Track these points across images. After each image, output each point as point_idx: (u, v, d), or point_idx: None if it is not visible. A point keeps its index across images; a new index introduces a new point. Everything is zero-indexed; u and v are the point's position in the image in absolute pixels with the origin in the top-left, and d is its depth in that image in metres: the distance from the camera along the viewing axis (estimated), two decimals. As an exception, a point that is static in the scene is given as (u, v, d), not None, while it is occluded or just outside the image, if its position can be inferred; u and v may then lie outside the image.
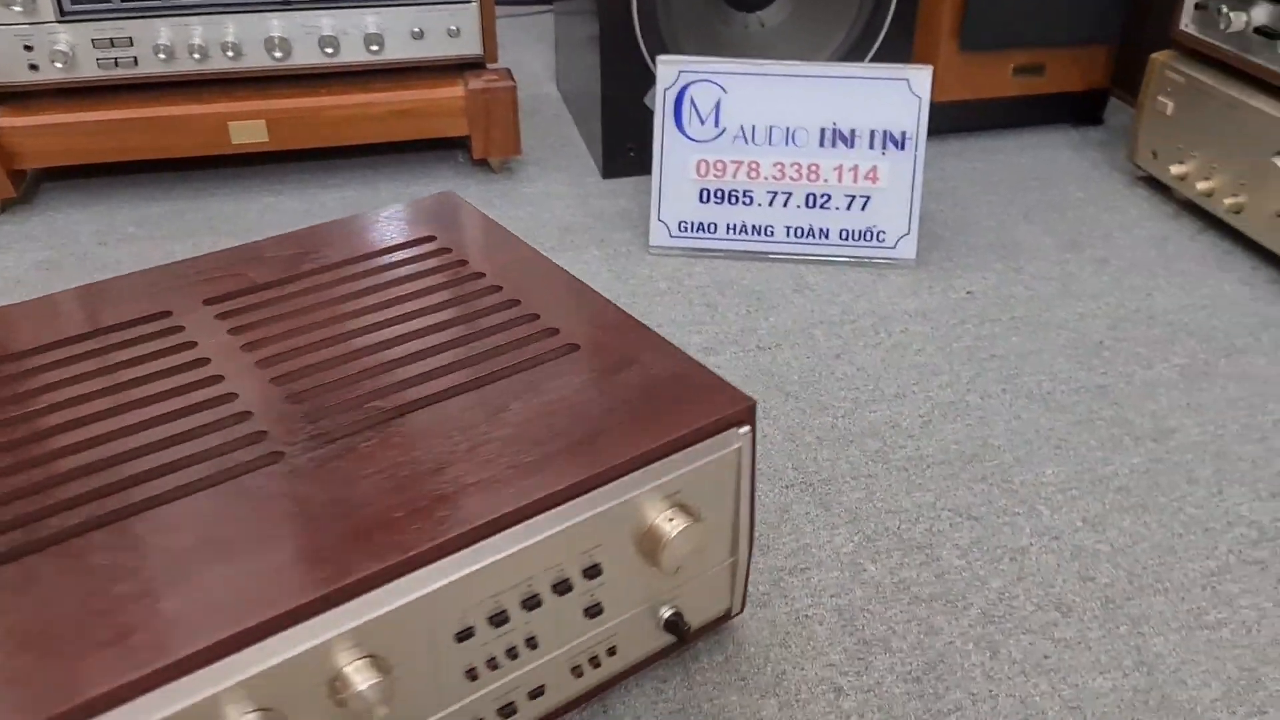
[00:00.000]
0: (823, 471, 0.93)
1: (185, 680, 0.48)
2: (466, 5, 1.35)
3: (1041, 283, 1.23)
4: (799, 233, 1.26)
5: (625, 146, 1.44)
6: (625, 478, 0.61)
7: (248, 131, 1.33)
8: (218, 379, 0.66)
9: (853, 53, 1.43)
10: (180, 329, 0.71)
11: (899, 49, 1.44)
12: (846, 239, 1.26)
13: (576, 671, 0.65)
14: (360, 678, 0.52)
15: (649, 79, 1.39)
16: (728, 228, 1.27)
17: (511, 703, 0.63)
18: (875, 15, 1.41)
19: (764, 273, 1.24)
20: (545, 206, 1.38)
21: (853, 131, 1.23)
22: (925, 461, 0.95)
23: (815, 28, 1.43)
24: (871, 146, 1.23)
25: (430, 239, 0.84)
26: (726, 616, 0.74)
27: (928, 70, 1.21)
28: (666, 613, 0.68)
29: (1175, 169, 1.34)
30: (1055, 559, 0.84)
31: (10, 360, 0.68)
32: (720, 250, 1.27)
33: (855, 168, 1.24)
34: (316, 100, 1.34)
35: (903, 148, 1.23)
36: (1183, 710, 0.72)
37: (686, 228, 1.27)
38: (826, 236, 1.26)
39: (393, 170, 1.46)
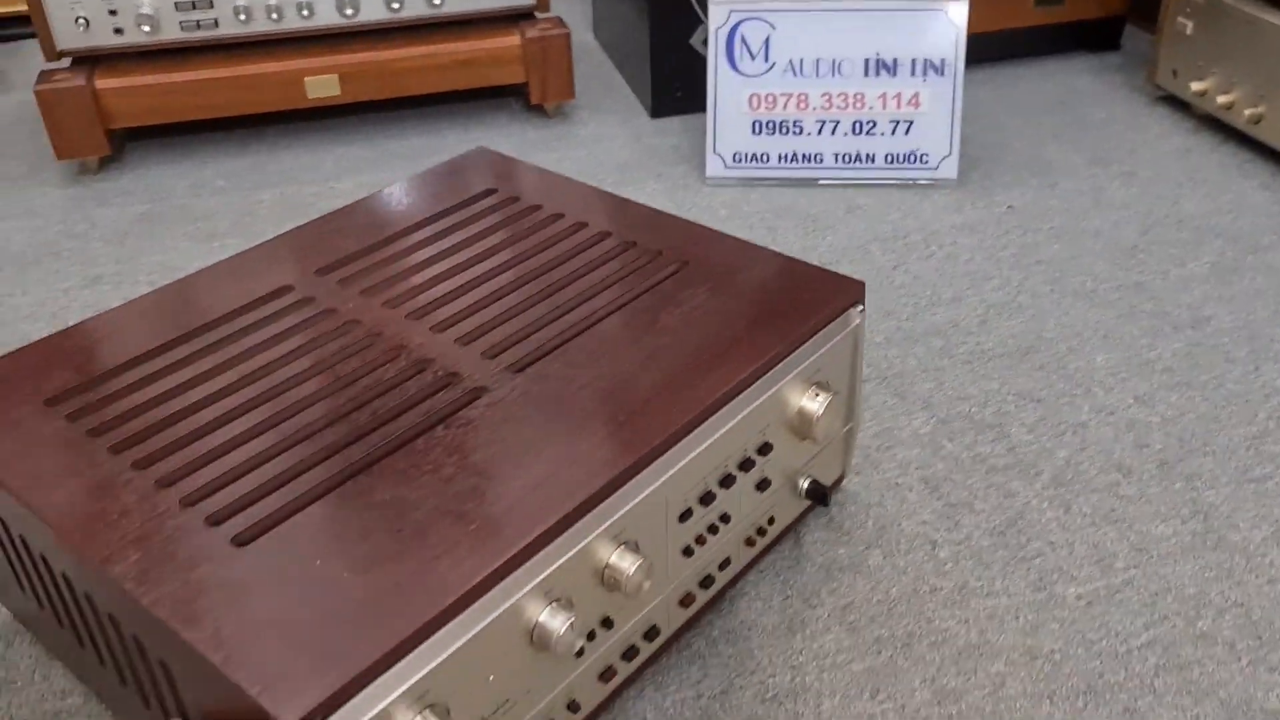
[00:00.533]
0: (894, 367, 1.03)
1: (514, 575, 0.56)
2: (520, -43, 1.43)
3: (1074, 196, 1.31)
4: (847, 158, 1.34)
5: (673, 88, 1.51)
6: (780, 364, 0.70)
7: (322, 86, 1.40)
8: (377, 334, 0.73)
9: (885, -11, 1.51)
10: (311, 299, 0.77)
11: (928, -17, 1.52)
12: (892, 162, 1.34)
13: (749, 541, 0.75)
14: (626, 562, 0.61)
15: (694, 23, 1.47)
16: (779, 157, 1.35)
17: (709, 575, 0.72)
18: (906, -49, 1.48)
19: (816, 197, 1.33)
20: (601, 146, 1.46)
21: (895, 61, 1.31)
22: (987, 355, 1.04)
23: (848, -34, 1.50)
24: (913, 74, 1.31)
25: (492, 191, 0.91)
26: (839, 482, 0.84)
27: (964, 3, 1.29)
28: (805, 482, 0.78)
29: (1196, 85, 1.43)
30: (1113, 431, 0.94)
31: (182, 342, 0.73)
32: (773, 179, 1.36)
33: (898, 95, 1.32)
34: (384, 54, 1.41)
35: (942, 74, 1.31)
36: (1237, 548, 0.82)
37: (741, 159, 1.35)
38: (873, 161, 1.34)
39: (453, 118, 1.54)
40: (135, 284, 1.16)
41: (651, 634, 0.69)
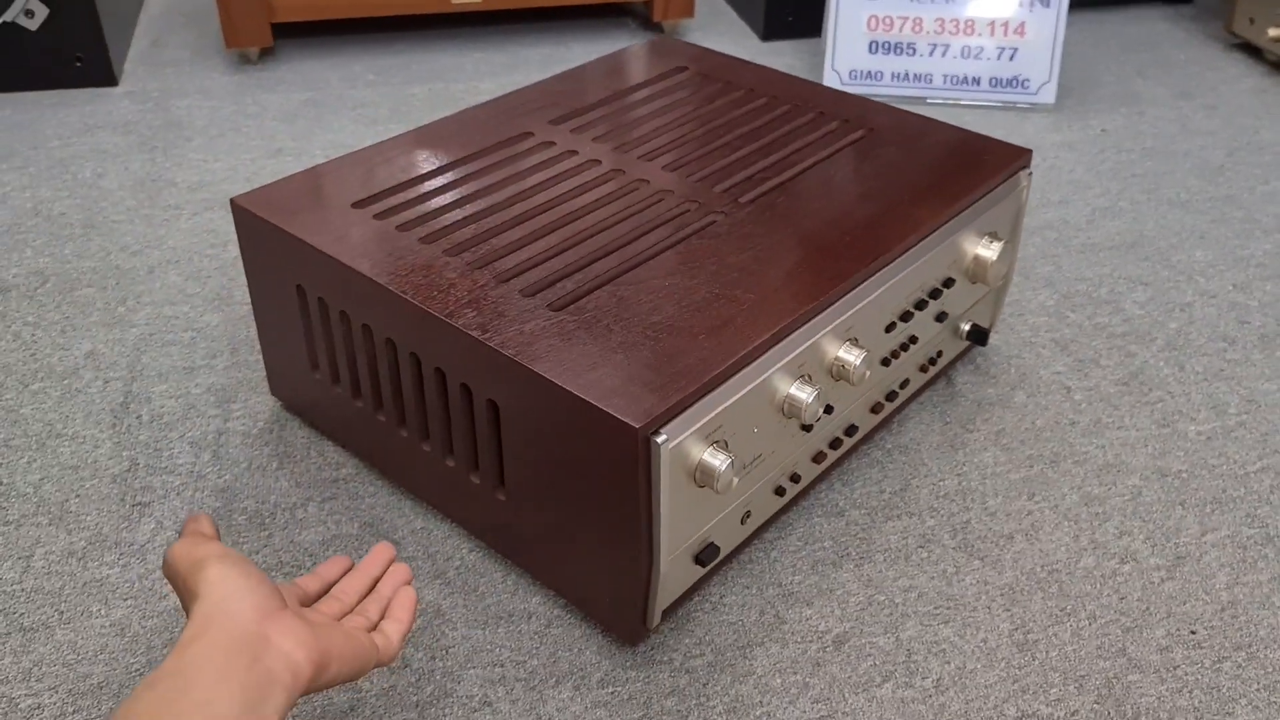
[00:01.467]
0: (1017, 251, 1.14)
1: (776, 348, 0.67)
2: (654, -120, 1.53)
3: (1162, 123, 1.43)
4: (955, 80, 1.46)
5: (784, 13, 1.62)
6: (965, 212, 0.82)
7: (465, -9, 1.51)
8: (619, 170, 0.85)
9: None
10: (552, 143, 0.88)
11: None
12: (996, 86, 1.45)
13: (922, 368, 0.87)
14: (853, 355, 0.73)
15: (808, -50, 1.57)
16: (893, 75, 1.46)
17: (893, 391, 0.84)
18: (1010, -106, 1.58)
19: (925, 113, 1.43)
20: (717, 63, 1.57)
21: (1005, -10, 1.42)
22: (1097, 247, 1.16)
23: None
24: (1020, 4, 1.42)
25: (684, 69, 1.03)
26: (988, 332, 0.96)
27: (1074, -65, 1.40)
28: (966, 325, 0.90)
29: (1273, 31, 1.54)
30: (1216, 310, 1.06)
31: (449, 169, 0.85)
32: (886, 95, 1.47)
33: (1006, 23, 1.43)
34: (524, -36, 1.52)
35: (1048, 6, 1.42)
36: (1330, 403, 0.94)
37: (857, 75, 1.46)
38: (978, 84, 1.46)
39: (576, 32, 1.64)
40: (313, 157, 1.27)
41: (850, 430, 0.81)
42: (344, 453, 0.85)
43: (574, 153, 0.87)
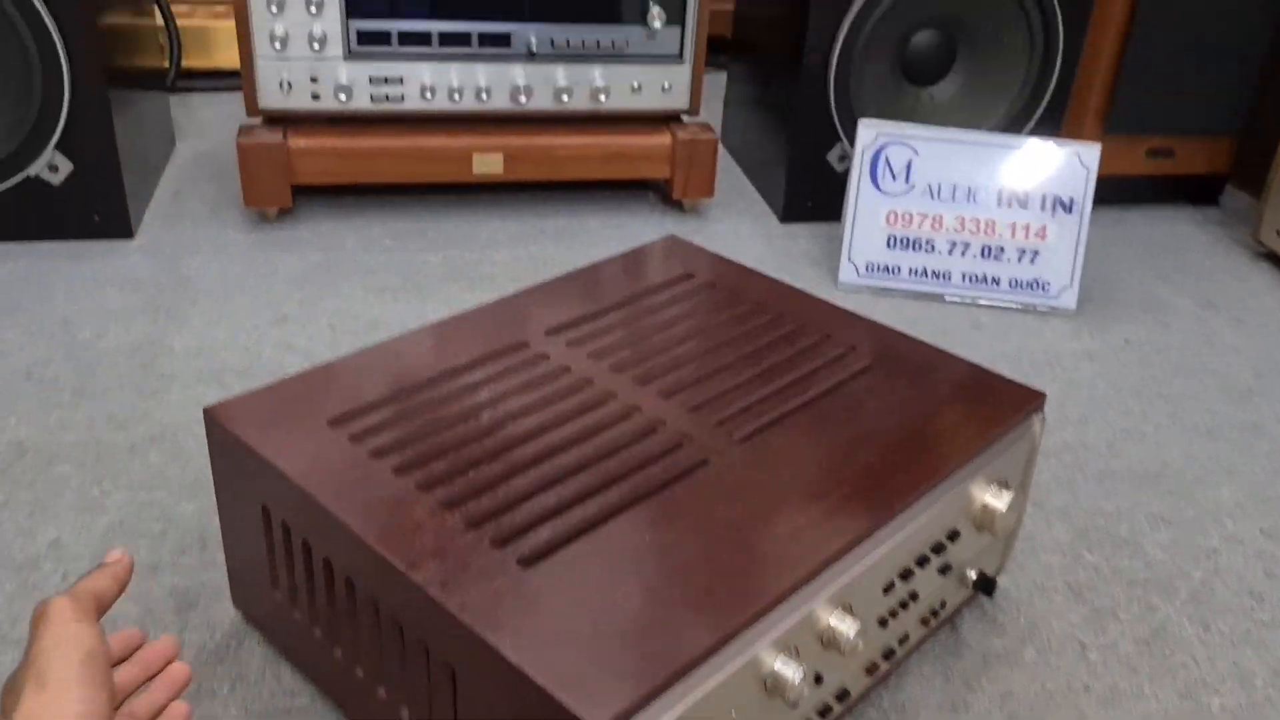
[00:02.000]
0: (1028, 499, 1.09)
1: (761, 623, 0.63)
2: (681, 66, 1.55)
3: (1187, 335, 1.39)
4: (973, 279, 1.43)
5: (804, 197, 1.62)
6: (974, 460, 0.78)
7: (487, 163, 1.52)
8: (611, 395, 0.81)
9: (1010, 125, 1.62)
10: (546, 356, 0.85)
11: (1051, 124, 1.63)
12: (1015, 287, 1.43)
13: (924, 621, 0.81)
14: (846, 624, 0.68)
15: (830, 139, 1.58)
16: (910, 271, 1.44)
17: (891, 648, 0.79)
18: (1034, 95, 1.60)
19: (941, 312, 1.41)
20: (735, 244, 1.56)
21: (1026, 194, 1.41)
22: (1117, 475, 1.11)
23: (978, 104, 1.62)
24: (1043, 209, 1.41)
25: (690, 275, 1.01)
26: (995, 581, 0.90)
27: (1097, 147, 1.40)
28: (973, 572, 0.84)
29: (1301, 245, 1.52)
30: (1243, 559, 1.00)
31: (436, 383, 0.81)
32: (902, 290, 1.45)
33: (1027, 226, 1.42)
34: (548, 139, 1.53)
35: (1070, 211, 1.41)
36: (1368, 679, 0.87)
37: (873, 269, 1.45)
38: (998, 284, 1.43)
39: (595, 204, 1.65)
40: (318, 325, 1.26)
41: (842, 696, 0.75)
42: (301, 679, 0.80)
43: (567, 369, 0.84)
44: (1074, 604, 0.93)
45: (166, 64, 1.83)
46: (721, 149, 1.91)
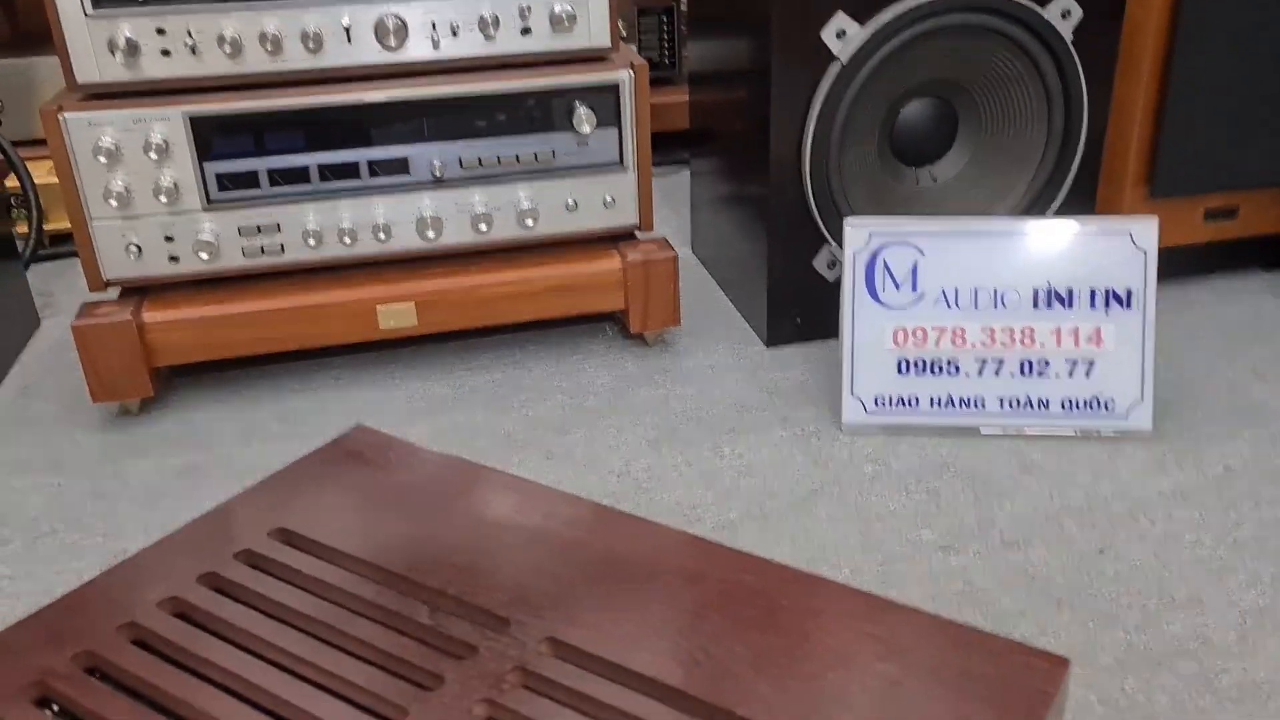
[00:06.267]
0: (1138, 707, 0.76)
1: None
2: (623, 174, 1.27)
3: (1305, 452, 1.07)
4: (1014, 404, 1.12)
5: (791, 313, 1.32)
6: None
7: (396, 316, 1.23)
8: None
9: (1034, 206, 1.33)
10: None
11: (1083, 199, 1.34)
12: (1070, 409, 1.11)
13: None
14: None
15: (817, 241, 1.29)
16: (932, 401, 1.13)
17: None
18: (1059, 165, 1.30)
19: (979, 450, 1.10)
20: (713, 381, 1.26)
21: (1070, 291, 1.11)
22: (1262, 688, 0.77)
23: (991, 181, 1.33)
24: (1093, 306, 1.10)
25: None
26: None
27: (1153, 221, 1.09)
28: None
29: None
30: None
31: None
32: (925, 426, 1.13)
33: (1075, 330, 1.11)
34: (468, 279, 1.25)
35: (1129, 306, 1.10)
36: None
37: (884, 402, 1.14)
38: (1046, 407, 1.12)
39: (540, 346, 1.36)
40: (162, 563, 0.96)
41: None
42: None
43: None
44: None
45: (25, 230, 1.58)
46: (694, 260, 1.63)
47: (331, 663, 0.54)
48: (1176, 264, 1.45)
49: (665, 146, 1.99)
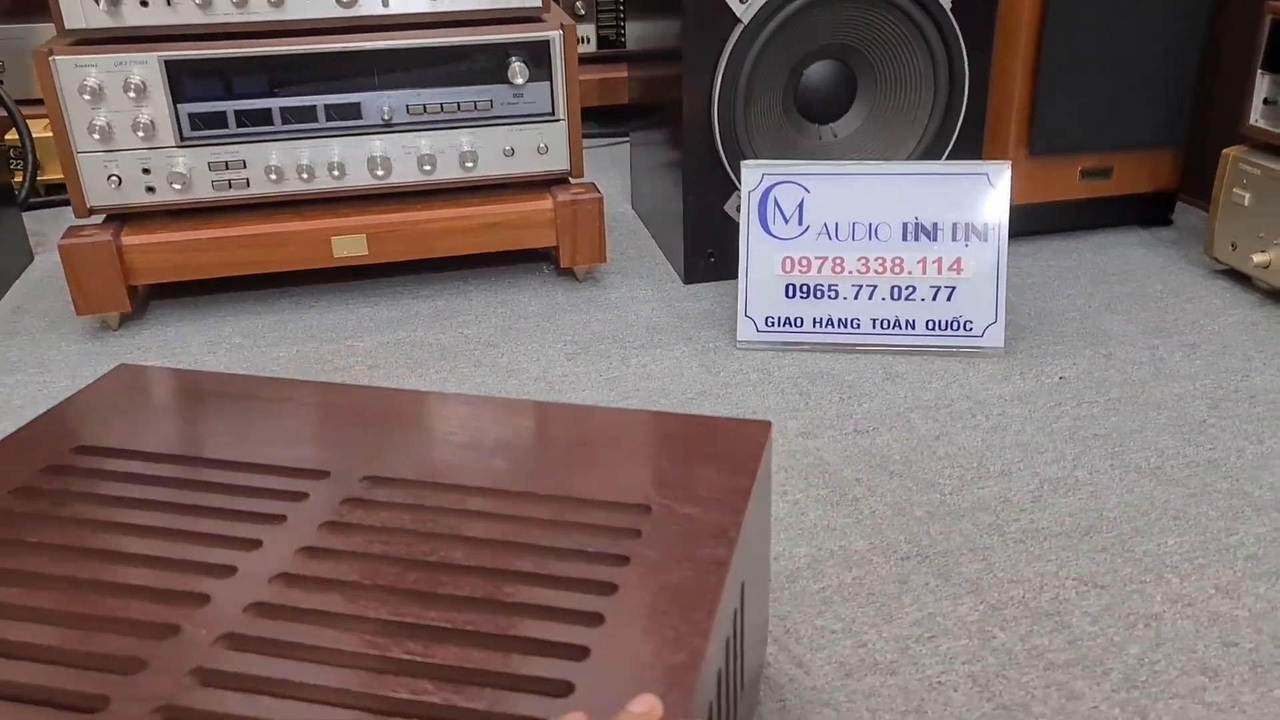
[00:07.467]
0: (937, 544, 0.92)
1: None
2: (555, 123, 1.43)
3: (1133, 367, 1.22)
4: (885, 324, 1.28)
5: (706, 252, 1.48)
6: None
7: (349, 245, 1.39)
8: None
9: (924, 158, 1.48)
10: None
11: (969, 154, 1.49)
12: (933, 329, 1.27)
13: None
14: None
15: (729, 189, 1.44)
16: (814, 321, 1.29)
17: None
18: (944, 125, 1.46)
19: (853, 363, 1.25)
20: (631, 310, 1.41)
21: (935, 225, 1.26)
22: (1041, 534, 0.93)
23: (885, 138, 1.48)
24: (954, 239, 1.26)
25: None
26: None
27: (1006, 165, 1.25)
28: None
29: (1257, 258, 1.35)
30: (1193, 625, 0.81)
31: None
32: (807, 343, 1.29)
33: (939, 259, 1.26)
34: (414, 215, 1.40)
35: (985, 239, 1.26)
36: (1354, 773, 0.68)
37: (773, 322, 1.29)
38: (913, 327, 1.27)
39: (481, 280, 1.51)
40: (131, 438, 1.11)
41: None
42: None
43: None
44: (976, 702, 0.74)
45: (21, 179, 1.74)
46: (632, 215, 1.78)
47: (190, 523, 0.62)
48: (1060, 218, 1.61)
49: (618, 119, 2.15)
